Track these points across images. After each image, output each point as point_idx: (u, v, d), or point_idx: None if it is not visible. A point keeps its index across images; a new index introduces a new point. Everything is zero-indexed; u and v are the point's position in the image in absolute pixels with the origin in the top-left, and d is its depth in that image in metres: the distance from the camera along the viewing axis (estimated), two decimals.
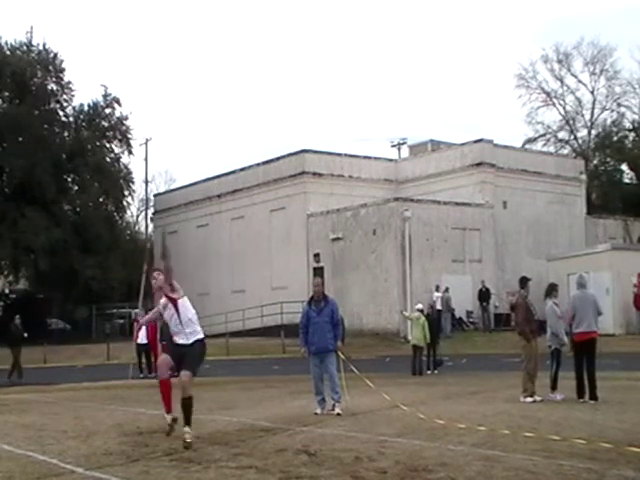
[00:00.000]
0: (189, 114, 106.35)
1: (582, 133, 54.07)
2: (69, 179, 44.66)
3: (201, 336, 8.48)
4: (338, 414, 10.76)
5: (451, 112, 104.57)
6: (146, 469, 6.98)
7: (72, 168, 43.41)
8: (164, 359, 8.73)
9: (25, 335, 24.94)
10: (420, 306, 21.62)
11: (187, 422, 8.16)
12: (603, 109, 53.61)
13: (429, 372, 20.45)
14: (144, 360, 23.84)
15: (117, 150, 45.35)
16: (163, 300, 8.36)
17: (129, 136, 45.30)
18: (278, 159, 39.91)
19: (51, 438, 9.12)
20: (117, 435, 9.23)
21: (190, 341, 8.34)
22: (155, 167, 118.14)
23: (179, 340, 8.38)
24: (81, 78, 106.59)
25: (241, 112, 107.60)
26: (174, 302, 8.26)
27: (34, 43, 42.72)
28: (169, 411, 8.66)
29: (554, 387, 12.48)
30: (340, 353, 11.78)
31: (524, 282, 12.99)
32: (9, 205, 39.89)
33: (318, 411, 11.01)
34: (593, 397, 11.96)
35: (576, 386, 12.16)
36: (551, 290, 12.98)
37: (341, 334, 11.81)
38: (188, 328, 8.37)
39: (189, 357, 8.33)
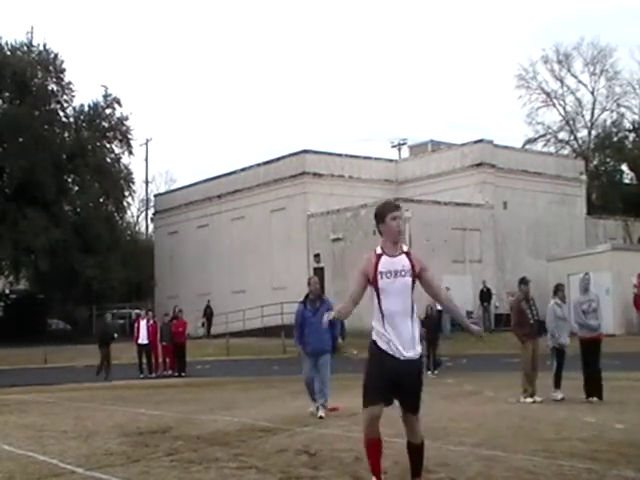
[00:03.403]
0: (189, 114, 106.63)
1: (582, 133, 54.20)
2: (69, 179, 44.74)
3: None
4: (320, 417, 10.46)
5: (451, 112, 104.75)
6: (146, 469, 6.98)
7: (72, 168, 43.48)
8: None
9: (115, 335, 24.46)
10: None
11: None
12: (603, 109, 53.73)
13: (429, 373, 20.43)
14: (144, 360, 23.88)
15: (117, 150, 45.51)
16: None
17: (129, 136, 45.44)
18: (278, 159, 39.93)
19: (51, 438, 9.12)
20: (117, 435, 9.23)
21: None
22: (155, 167, 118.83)
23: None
24: (81, 78, 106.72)
25: (241, 112, 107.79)
26: None
27: (34, 43, 42.90)
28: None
29: (556, 385, 12.47)
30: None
31: (520, 283, 13.01)
32: (9, 205, 39.92)
33: (313, 409, 10.79)
34: (598, 396, 11.98)
35: (584, 386, 12.16)
36: (555, 290, 12.97)
37: (340, 333, 11.68)
38: None
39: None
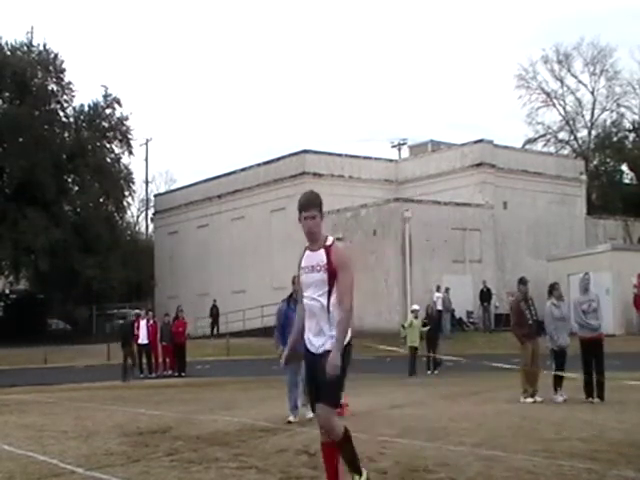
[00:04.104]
0: (189, 114, 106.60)
1: (582, 133, 54.19)
2: (69, 179, 44.76)
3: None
4: (309, 418, 9.85)
5: (451, 112, 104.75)
6: (146, 469, 6.98)
7: (72, 168, 43.49)
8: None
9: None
10: (416, 307, 21.60)
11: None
12: (603, 109, 53.72)
13: (429, 372, 20.45)
14: (144, 360, 23.89)
15: (117, 150, 45.51)
16: None
17: (129, 136, 45.45)
18: (278, 159, 39.93)
19: (51, 438, 9.12)
20: (117, 435, 9.23)
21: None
22: (155, 167, 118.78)
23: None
24: (81, 78, 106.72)
25: (241, 112, 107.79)
26: None
27: (34, 43, 42.93)
28: None
29: (555, 388, 12.46)
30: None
31: (519, 284, 13.00)
32: (9, 205, 39.94)
33: (292, 419, 10.15)
34: (600, 397, 12.00)
35: (584, 386, 12.17)
36: (551, 290, 12.94)
37: None
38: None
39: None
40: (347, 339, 5.38)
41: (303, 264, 5.46)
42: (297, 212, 5.47)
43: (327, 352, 5.27)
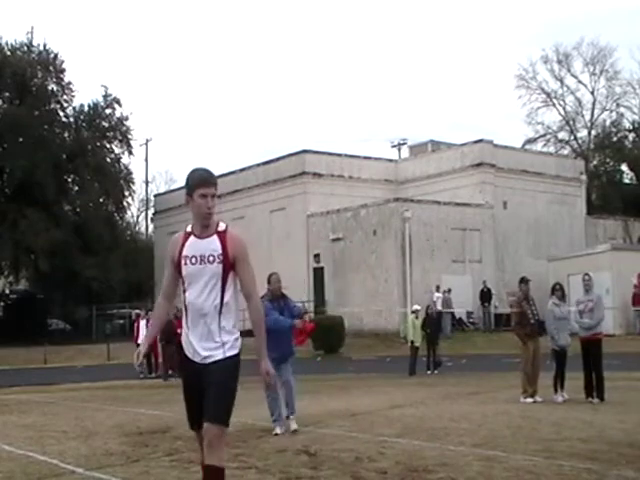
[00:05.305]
0: (189, 114, 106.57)
1: (582, 133, 54.15)
2: (69, 180, 44.78)
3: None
4: (294, 430, 9.25)
5: (451, 112, 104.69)
6: (146, 469, 6.99)
7: (72, 169, 43.52)
8: None
9: (178, 331, 23.59)
10: (417, 307, 21.61)
11: None
12: (603, 109, 53.69)
13: (429, 372, 20.44)
14: (144, 360, 23.85)
15: (117, 150, 45.53)
16: None
17: (129, 136, 45.47)
18: (278, 159, 39.91)
19: (51, 438, 9.13)
20: (117, 435, 9.23)
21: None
22: (155, 167, 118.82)
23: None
24: (81, 78, 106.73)
25: (241, 112, 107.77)
26: None
27: (34, 43, 42.95)
28: None
29: (556, 388, 12.47)
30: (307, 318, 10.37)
31: (520, 283, 13.03)
32: (10, 206, 39.94)
33: (278, 431, 9.23)
34: (600, 397, 12.01)
35: (584, 386, 12.19)
36: (553, 290, 12.98)
37: (298, 314, 10.57)
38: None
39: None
40: (238, 347, 4.62)
41: (187, 253, 4.55)
42: (188, 191, 4.59)
43: (215, 363, 4.56)
